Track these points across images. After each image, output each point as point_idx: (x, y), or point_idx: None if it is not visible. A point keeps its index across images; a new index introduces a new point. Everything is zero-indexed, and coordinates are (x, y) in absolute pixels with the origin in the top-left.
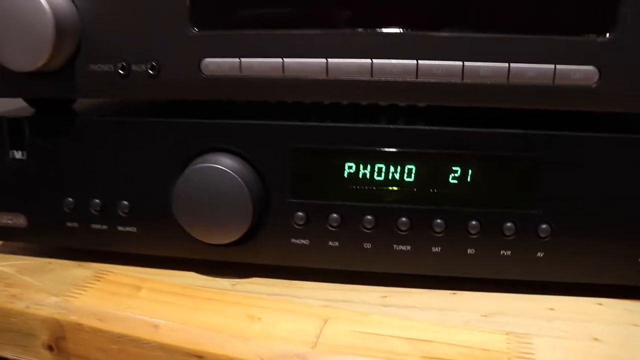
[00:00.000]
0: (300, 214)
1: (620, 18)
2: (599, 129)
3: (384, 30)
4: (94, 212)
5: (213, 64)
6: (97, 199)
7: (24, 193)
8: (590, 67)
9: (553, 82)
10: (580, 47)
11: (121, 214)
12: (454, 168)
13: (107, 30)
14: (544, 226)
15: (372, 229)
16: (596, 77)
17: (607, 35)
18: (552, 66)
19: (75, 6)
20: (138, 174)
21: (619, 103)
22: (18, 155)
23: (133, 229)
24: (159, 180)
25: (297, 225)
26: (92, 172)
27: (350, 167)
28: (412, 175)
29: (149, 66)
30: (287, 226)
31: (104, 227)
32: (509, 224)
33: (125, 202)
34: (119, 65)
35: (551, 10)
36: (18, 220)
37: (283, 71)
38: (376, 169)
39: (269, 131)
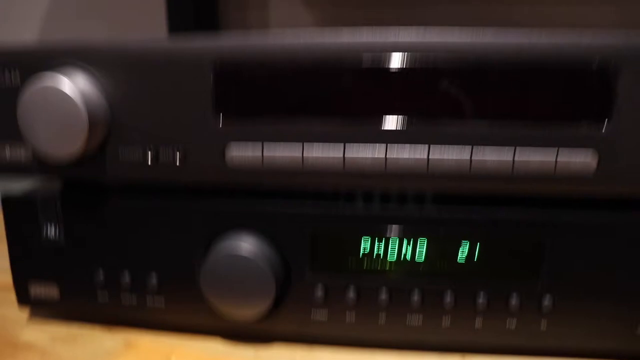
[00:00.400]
0: (319, 289)
1: (615, 110)
2: (598, 211)
3: (398, 122)
4: (124, 285)
5: (237, 156)
6: (127, 273)
7: (57, 265)
8: (589, 155)
9: (554, 170)
10: (580, 136)
11: (150, 287)
12: (462, 247)
13: (136, 119)
14: (546, 299)
15: (387, 302)
16: (595, 163)
17: (605, 125)
18: (554, 155)
19: (106, 99)
20: (166, 251)
21: (616, 189)
22: (51, 229)
23: (161, 302)
24: (186, 256)
25: (316, 299)
26: (122, 248)
27: (365, 247)
28: (423, 254)
29: (176, 153)
30: (306, 300)
31: (134, 299)
32: (514, 297)
33: (154, 277)
34: (147, 152)
35: (554, 102)
36: (51, 291)
37: (302, 163)
38: (389, 248)
39: (290, 215)
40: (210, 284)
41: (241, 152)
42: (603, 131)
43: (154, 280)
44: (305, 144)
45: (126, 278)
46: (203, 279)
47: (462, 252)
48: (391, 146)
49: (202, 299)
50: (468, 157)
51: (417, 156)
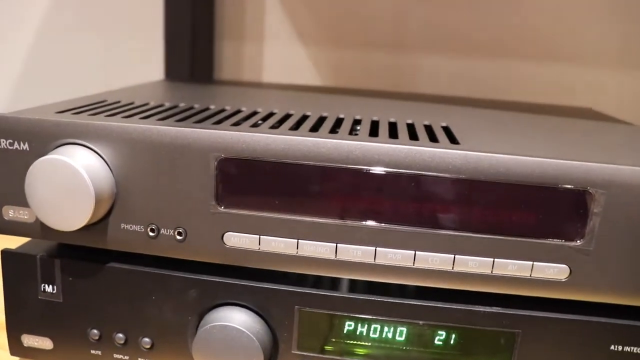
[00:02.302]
0: None
1: (588, 230)
2: (567, 310)
3: (388, 225)
4: (117, 344)
5: (235, 237)
6: (120, 333)
7: (52, 321)
8: (562, 266)
9: (530, 275)
10: (554, 250)
11: (143, 349)
12: (439, 334)
13: (140, 197)
14: None
15: None
16: (567, 273)
17: (578, 242)
18: (530, 263)
19: (113, 176)
20: (160, 316)
21: (585, 295)
22: (48, 288)
23: None
24: (179, 322)
25: None
26: (118, 310)
27: (349, 326)
28: (403, 339)
29: (176, 232)
30: None
31: (126, 357)
32: None
33: (147, 340)
34: (149, 227)
35: (532, 220)
36: (44, 343)
37: (297, 250)
38: (372, 329)
39: (279, 294)
40: (202, 352)
41: (239, 241)
42: (575, 249)
43: (146, 344)
44: (299, 241)
45: (120, 339)
46: (195, 346)
47: (440, 337)
48: (380, 250)
49: None
50: (452, 256)
51: (405, 251)
